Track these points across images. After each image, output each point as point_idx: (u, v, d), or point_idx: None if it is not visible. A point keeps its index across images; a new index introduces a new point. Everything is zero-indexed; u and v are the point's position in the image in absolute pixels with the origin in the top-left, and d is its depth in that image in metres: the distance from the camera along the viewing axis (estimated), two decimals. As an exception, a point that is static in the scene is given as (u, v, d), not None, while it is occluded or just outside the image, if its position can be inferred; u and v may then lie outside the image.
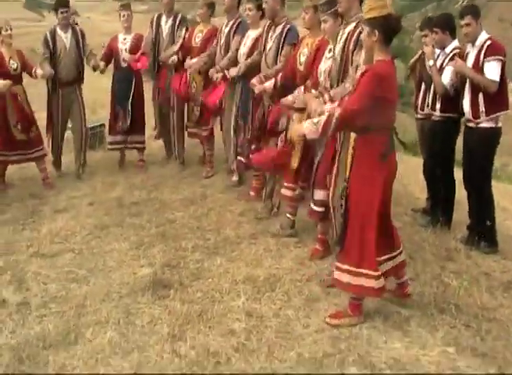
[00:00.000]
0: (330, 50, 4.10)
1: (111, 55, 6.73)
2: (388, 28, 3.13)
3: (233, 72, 5.51)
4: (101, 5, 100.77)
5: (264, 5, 5.12)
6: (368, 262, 3.19)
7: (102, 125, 8.29)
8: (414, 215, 5.47)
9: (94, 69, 6.56)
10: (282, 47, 5.02)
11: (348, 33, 3.78)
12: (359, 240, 3.22)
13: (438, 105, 4.99)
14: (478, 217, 4.83)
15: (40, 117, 6.59)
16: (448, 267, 4.20)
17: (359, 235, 3.22)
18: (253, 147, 5.34)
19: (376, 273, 3.18)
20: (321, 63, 4.17)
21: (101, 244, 4.54)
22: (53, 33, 6.30)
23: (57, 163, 6.69)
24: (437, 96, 4.99)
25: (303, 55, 4.54)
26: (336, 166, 3.69)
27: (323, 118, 3.14)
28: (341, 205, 3.42)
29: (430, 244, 4.61)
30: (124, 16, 6.64)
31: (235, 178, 6.06)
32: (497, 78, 4.42)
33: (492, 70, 4.43)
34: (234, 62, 5.64)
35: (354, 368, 2.86)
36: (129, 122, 6.67)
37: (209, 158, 6.53)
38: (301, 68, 4.53)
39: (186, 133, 6.76)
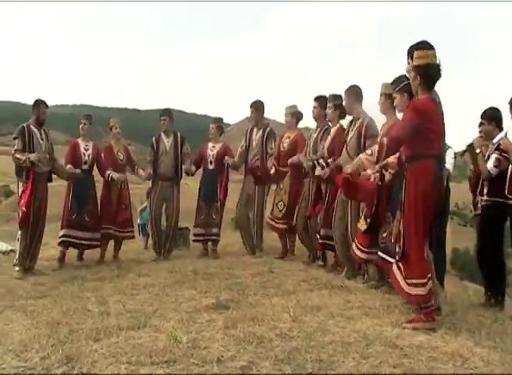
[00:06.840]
0: None
1: (200, 161, 7.69)
2: (427, 75, 3.74)
3: (320, 172, 6.02)
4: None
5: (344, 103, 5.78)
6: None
7: (187, 228, 9.24)
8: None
9: (187, 173, 7.55)
10: (364, 139, 5.38)
11: None
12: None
13: (485, 190, 5.41)
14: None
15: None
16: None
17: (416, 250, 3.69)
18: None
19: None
20: None
21: (175, 290, 5.12)
22: (158, 137, 7.44)
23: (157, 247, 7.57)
24: (484, 182, 5.42)
25: None
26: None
27: (375, 147, 3.74)
28: None
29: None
30: (213, 128, 7.71)
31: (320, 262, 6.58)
32: None
33: None
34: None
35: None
36: (214, 217, 7.50)
37: (292, 248, 7.16)
38: None
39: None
